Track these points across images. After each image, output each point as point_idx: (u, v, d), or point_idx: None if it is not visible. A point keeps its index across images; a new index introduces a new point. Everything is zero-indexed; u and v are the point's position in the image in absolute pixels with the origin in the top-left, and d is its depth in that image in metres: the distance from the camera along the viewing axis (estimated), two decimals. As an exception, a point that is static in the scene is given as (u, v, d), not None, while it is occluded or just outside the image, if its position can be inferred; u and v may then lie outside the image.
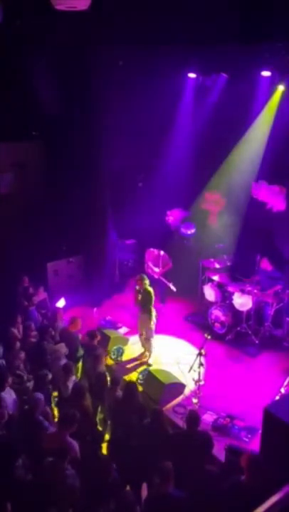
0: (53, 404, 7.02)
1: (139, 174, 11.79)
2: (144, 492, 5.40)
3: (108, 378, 6.86)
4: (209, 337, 7.51)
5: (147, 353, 8.65)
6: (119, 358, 8.63)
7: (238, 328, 9.14)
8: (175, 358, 8.52)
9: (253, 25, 6.79)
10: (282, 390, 7.23)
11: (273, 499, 3.66)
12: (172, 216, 11.51)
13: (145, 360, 8.61)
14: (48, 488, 4.63)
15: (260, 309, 9.17)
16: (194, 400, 7.32)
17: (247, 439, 6.50)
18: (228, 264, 9.84)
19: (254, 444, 6.14)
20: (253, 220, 9.79)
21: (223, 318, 9.19)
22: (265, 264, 8.98)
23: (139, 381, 7.85)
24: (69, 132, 10.54)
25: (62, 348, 7.37)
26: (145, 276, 8.50)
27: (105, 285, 11.05)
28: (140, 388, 7.29)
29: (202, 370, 7.33)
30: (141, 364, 8.54)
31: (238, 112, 9.38)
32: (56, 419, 6.32)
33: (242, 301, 8.95)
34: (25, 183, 11.34)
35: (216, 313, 9.29)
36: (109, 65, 9.58)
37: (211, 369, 8.17)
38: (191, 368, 7.53)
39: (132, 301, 8.90)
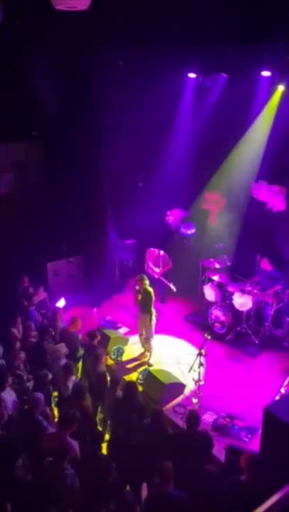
0: (53, 404, 7.02)
1: (139, 174, 11.79)
2: (144, 492, 5.40)
3: (108, 378, 6.86)
4: (209, 337, 7.52)
5: (147, 353, 8.65)
6: (119, 358, 8.63)
7: (238, 328, 9.14)
8: (175, 358, 8.52)
9: (253, 25, 6.79)
10: (282, 390, 7.23)
11: (273, 499, 3.66)
12: (172, 216, 11.51)
13: (145, 360, 8.61)
14: (47, 488, 4.63)
15: (260, 309, 9.17)
16: (194, 400, 7.32)
17: (247, 439, 6.50)
18: (228, 264, 9.84)
19: (254, 444, 6.15)
20: (253, 220, 9.79)
21: (223, 318, 9.19)
22: (265, 264, 8.99)
23: (139, 381, 7.85)
24: (69, 132, 10.54)
25: (63, 348, 7.37)
26: (145, 277, 8.51)
27: (105, 285, 11.05)
28: (140, 388, 7.28)
29: (202, 370, 7.33)
30: (141, 364, 8.54)
31: (238, 112, 9.37)
32: (56, 419, 6.32)
33: (242, 301, 8.95)
34: (25, 183, 11.34)
35: (216, 313, 9.29)
36: (109, 65, 9.58)
37: (211, 369, 8.17)
38: (191, 368, 7.54)
39: (132, 301, 8.90)
